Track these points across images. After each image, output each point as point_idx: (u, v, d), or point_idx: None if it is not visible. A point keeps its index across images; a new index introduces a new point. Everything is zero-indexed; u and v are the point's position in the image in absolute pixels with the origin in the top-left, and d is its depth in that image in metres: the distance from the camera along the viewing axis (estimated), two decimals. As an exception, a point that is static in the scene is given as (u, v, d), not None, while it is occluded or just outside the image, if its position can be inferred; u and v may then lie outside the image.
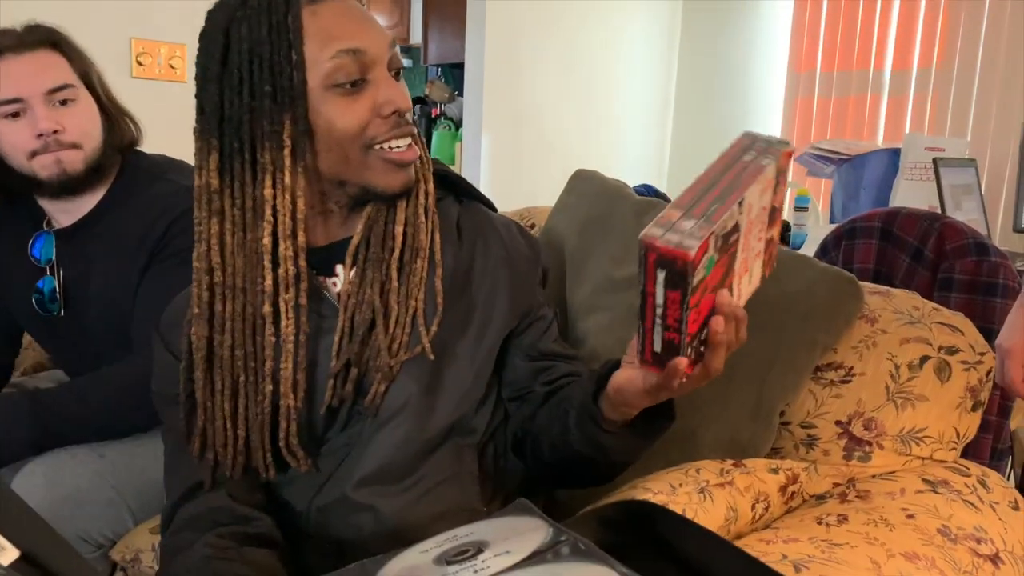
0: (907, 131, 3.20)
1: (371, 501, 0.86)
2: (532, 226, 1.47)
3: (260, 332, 0.83)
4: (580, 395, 0.81)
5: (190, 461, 0.88)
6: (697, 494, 0.87)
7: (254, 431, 0.85)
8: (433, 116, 5.07)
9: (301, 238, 0.82)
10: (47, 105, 1.23)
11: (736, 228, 0.62)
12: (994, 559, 0.87)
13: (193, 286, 0.84)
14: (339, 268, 0.89)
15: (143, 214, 1.29)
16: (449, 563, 0.50)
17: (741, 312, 0.66)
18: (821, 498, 0.98)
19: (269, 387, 0.83)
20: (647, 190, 2.48)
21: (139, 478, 1.25)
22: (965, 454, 1.04)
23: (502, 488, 0.94)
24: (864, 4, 3.34)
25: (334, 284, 0.90)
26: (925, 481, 0.95)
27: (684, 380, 0.65)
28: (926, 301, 1.05)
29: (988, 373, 1.00)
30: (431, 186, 0.91)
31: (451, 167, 1.01)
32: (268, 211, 0.81)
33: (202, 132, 0.82)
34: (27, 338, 1.56)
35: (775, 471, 0.96)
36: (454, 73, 5.00)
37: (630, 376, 0.72)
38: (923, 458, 1.00)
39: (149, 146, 1.41)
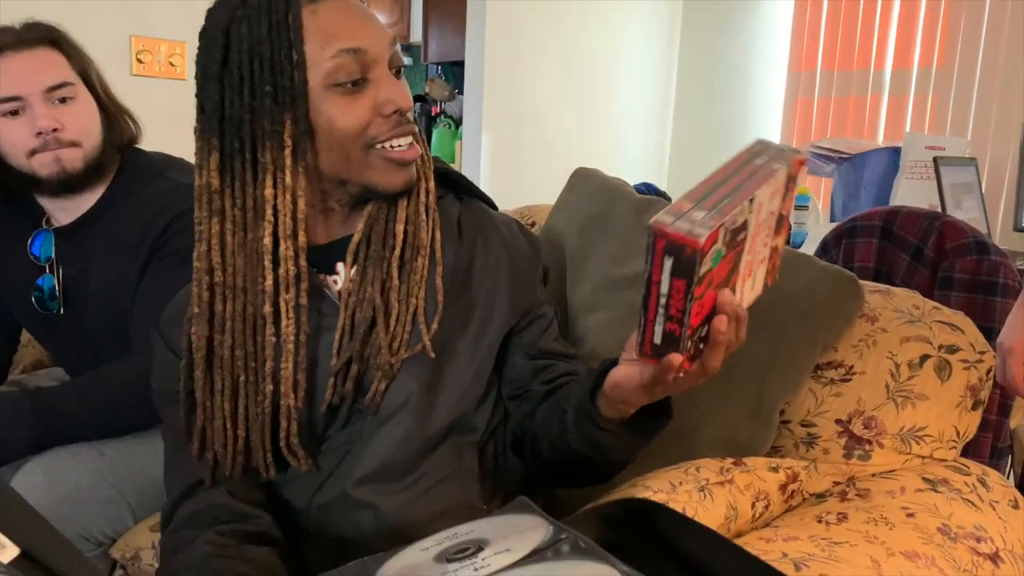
0: (907, 131, 3.20)
1: (371, 499, 0.86)
2: (532, 224, 1.46)
3: (261, 332, 0.83)
4: (578, 393, 0.81)
5: (190, 459, 0.88)
6: (697, 492, 0.87)
7: (254, 431, 0.85)
8: (433, 114, 5.07)
9: (302, 238, 0.82)
10: (46, 103, 1.23)
11: (744, 226, 0.62)
12: (994, 558, 0.87)
13: (193, 286, 0.84)
14: (340, 266, 0.89)
15: (142, 212, 1.29)
16: (449, 561, 0.50)
17: (743, 312, 0.66)
18: (821, 497, 0.98)
19: (270, 387, 0.83)
20: (647, 188, 2.48)
21: (139, 476, 1.25)
22: (965, 453, 1.04)
23: (502, 486, 0.94)
24: (865, 4, 3.34)
25: (335, 282, 0.90)
26: (925, 480, 0.95)
27: (682, 375, 0.65)
28: (926, 300, 1.05)
29: (988, 372, 1.00)
30: (432, 184, 0.91)
31: (451, 165, 1.01)
32: (269, 211, 0.80)
33: (202, 131, 0.81)
34: (26, 336, 1.56)
35: (775, 470, 0.96)
36: (454, 71, 5.00)
37: (627, 372, 0.72)
38: (923, 457, 1.00)
39: (149, 144, 1.41)
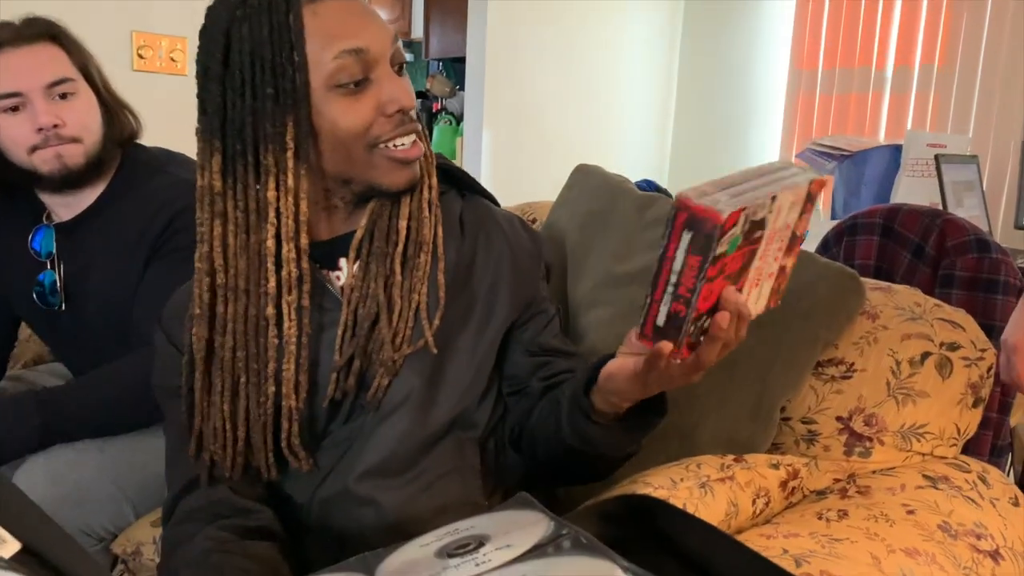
0: (909, 129, 3.19)
1: (373, 494, 0.86)
2: (533, 221, 1.46)
3: (263, 334, 0.83)
4: (572, 387, 0.81)
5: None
6: (698, 489, 0.88)
7: (256, 432, 0.85)
8: (434, 111, 5.07)
9: (304, 240, 0.82)
10: (47, 99, 1.22)
11: (762, 224, 0.62)
12: (994, 555, 0.87)
13: (195, 287, 0.84)
14: (342, 261, 0.89)
15: (143, 208, 1.29)
16: (450, 556, 0.50)
17: (746, 310, 0.66)
18: (821, 493, 0.98)
19: (272, 388, 0.83)
20: (648, 185, 2.47)
21: (140, 472, 1.25)
22: (965, 450, 1.04)
23: (503, 483, 0.94)
24: (866, 1, 3.33)
25: (337, 277, 0.90)
26: (925, 477, 0.95)
27: (677, 362, 0.65)
28: (928, 297, 1.05)
29: (989, 369, 1.00)
30: (434, 180, 0.91)
31: (453, 162, 1.01)
32: (271, 213, 0.80)
33: (204, 133, 0.81)
34: (26, 331, 1.56)
35: (776, 466, 0.96)
36: (455, 67, 4.99)
37: (622, 363, 0.72)
38: (923, 454, 1.00)
39: (150, 139, 1.40)
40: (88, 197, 1.31)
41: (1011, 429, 1.35)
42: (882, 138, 3.27)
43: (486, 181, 3.42)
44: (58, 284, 1.33)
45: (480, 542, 0.51)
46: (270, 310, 0.82)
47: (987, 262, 1.36)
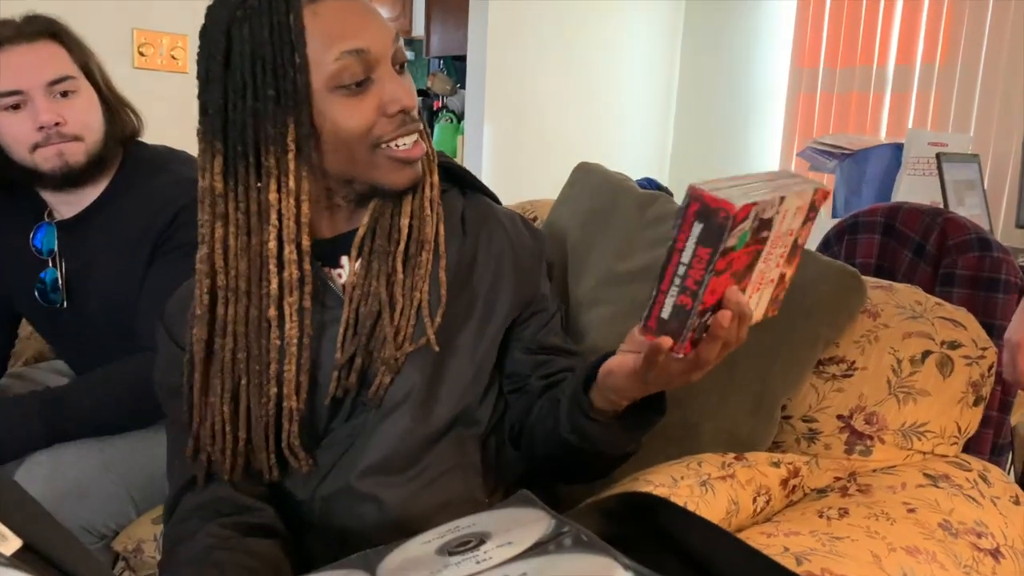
0: (910, 127, 3.19)
1: (374, 491, 0.86)
2: (535, 219, 1.46)
3: (265, 335, 0.83)
4: (571, 384, 0.81)
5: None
6: (699, 487, 0.88)
7: (257, 433, 0.85)
8: (435, 109, 5.07)
9: (306, 242, 0.82)
10: (48, 97, 1.22)
11: (770, 224, 0.62)
12: (995, 553, 0.87)
13: (196, 288, 0.84)
14: (344, 259, 0.89)
15: (145, 205, 1.29)
16: (451, 554, 0.50)
17: (748, 310, 0.66)
18: (822, 492, 0.98)
19: (274, 389, 0.83)
20: (649, 183, 2.48)
21: (142, 470, 1.25)
22: (966, 449, 1.04)
23: (504, 480, 0.94)
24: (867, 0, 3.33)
25: (339, 275, 0.90)
26: (926, 475, 0.95)
27: (680, 356, 0.64)
28: (929, 296, 1.05)
29: (990, 368, 1.00)
30: (436, 178, 0.91)
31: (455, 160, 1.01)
32: (273, 215, 0.80)
33: (205, 134, 0.81)
34: (27, 328, 1.56)
35: (776, 464, 0.96)
36: (456, 65, 4.99)
37: (622, 360, 0.72)
38: (924, 452, 1.00)
39: (151, 137, 1.40)
40: (90, 195, 1.31)
41: (1012, 428, 1.35)
42: (883, 137, 3.27)
43: (487, 179, 3.42)
44: (60, 282, 1.33)
45: (481, 539, 0.51)
46: (272, 312, 0.82)
47: (988, 261, 1.36)
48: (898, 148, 2.51)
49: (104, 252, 1.30)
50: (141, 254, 1.28)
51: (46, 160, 1.24)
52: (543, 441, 0.88)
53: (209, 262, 0.82)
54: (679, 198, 1.36)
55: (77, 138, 1.25)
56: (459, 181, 0.98)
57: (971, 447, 1.07)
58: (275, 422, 0.85)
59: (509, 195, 1.41)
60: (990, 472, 0.98)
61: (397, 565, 0.52)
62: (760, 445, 1.01)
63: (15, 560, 0.42)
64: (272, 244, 0.81)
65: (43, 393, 1.23)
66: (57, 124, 1.22)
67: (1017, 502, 0.95)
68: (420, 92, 4.94)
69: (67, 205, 1.32)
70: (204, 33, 0.80)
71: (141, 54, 2.54)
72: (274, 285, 0.81)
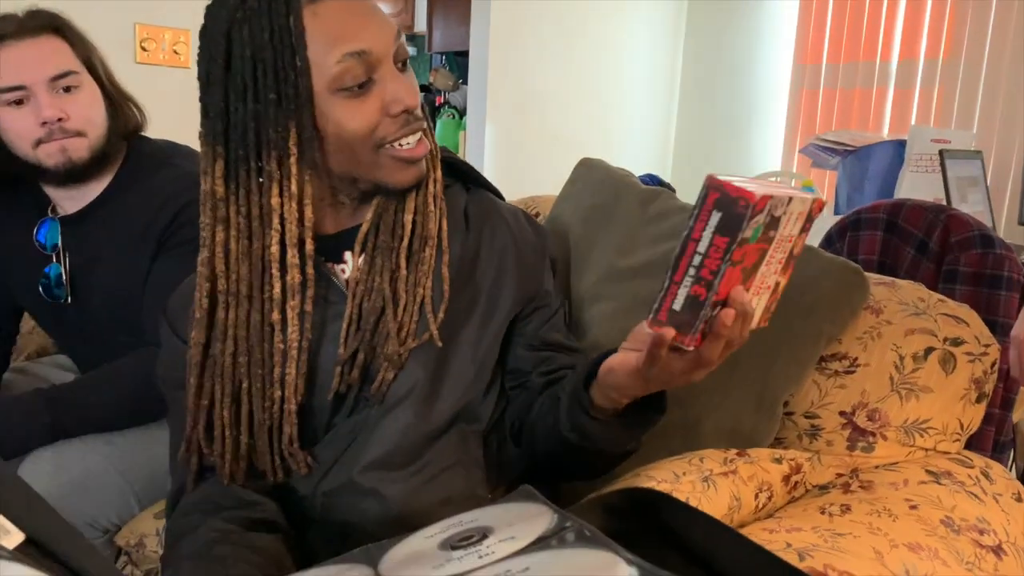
0: (913, 124, 3.18)
1: (377, 486, 0.86)
2: (537, 215, 1.46)
3: (268, 339, 0.83)
4: (572, 381, 0.81)
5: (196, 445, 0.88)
6: (701, 483, 0.88)
7: (260, 437, 0.85)
8: (437, 104, 5.06)
9: (309, 246, 0.82)
10: (50, 92, 1.22)
11: (777, 224, 0.62)
12: (996, 550, 0.87)
13: (196, 291, 0.84)
14: (347, 255, 0.89)
15: (149, 201, 1.29)
16: (454, 548, 0.50)
17: (751, 309, 0.65)
18: (824, 488, 0.98)
19: (278, 392, 0.83)
20: (651, 179, 2.47)
21: (146, 464, 1.25)
22: (968, 446, 1.04)
23: (506, 476, 0.94)
24: (870, -5, 3.32)
25: (342, 271, 0.90)
26: (928, 472, 0.95)
27: (692, 349, 0.64)
28: (931, 292, 1.05)
29: (993, 365, 1.00)
30: (439, 174, 0.91)
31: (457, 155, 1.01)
32: (276, 220, 0.80)
33: (207, 137, 0.81)
34: (30, 323, 1.56)
35: (779, 461, 0.96)
36: (458, 61, 4.99)
37: (623, 357, 0.72)
38: (927, 449, 1.00)
39: (154, 132, 1.40)
40: (93, 190, 1.31)
41: (1014, 425, 1.35)
42: (886, 133, 3.26)
43: (489, 175, 3.41)
44: (64, 277, 1.33)
45: (484, 534, 0.51)
46: (276, 316, 0.82)
47: (991, 258, 1.36)
48: (901, 144, 2.50)
49: (108, 247, 1.30)
50: (145, 249, 1.28)
51: (49, 156, 1.24)
52: (543, 438, 0.88)
53: (210, 266, 0.82)
54: (682, 194, 1.36)
55: (80, 133, 1.25)
56: (462, 177, 0.98)
57: (973, 444, 1.07)
58: (278, 424, 0.85)
59: (511, 191, 1.41)
60: (992, 469, 0.98)
61: (399, 560, 0.52)
62: (762, 441, 1.01)
63: (18, 554, 0.42)
64: (275, 248, 0.81)
65: (47, 390, 1.23)
66: (60, 120, 1.22)
67: (1019, 499, 0.95)
68: (422, 88, 4.93)
69: (71, 200, 1.32)
70: (204, 34, 0.80)
71: (143, 49, 2.54)
72: (277, 289, 0.81)
